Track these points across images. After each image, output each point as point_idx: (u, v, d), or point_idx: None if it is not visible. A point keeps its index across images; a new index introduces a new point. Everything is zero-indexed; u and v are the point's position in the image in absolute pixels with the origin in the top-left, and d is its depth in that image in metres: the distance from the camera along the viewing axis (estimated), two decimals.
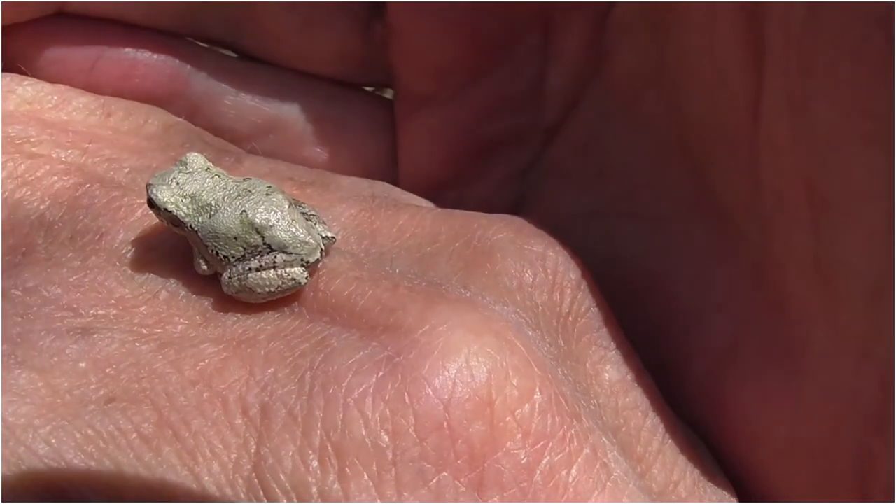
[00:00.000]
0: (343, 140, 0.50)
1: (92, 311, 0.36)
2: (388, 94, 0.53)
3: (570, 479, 0.34)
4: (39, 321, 0.36)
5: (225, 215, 0.36)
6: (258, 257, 0.36)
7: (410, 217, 0.41)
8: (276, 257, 0.36)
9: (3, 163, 0.40)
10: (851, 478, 0.39)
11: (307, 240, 0.36)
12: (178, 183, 0.37)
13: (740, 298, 0.41)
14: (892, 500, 0.37)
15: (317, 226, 0.37)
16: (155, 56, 0.48)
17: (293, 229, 0.36)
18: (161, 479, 0.33)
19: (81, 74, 0.47)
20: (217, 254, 0.36)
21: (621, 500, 0.35)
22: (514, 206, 0.51)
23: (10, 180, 0.40)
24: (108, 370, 0.34)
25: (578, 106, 0.48)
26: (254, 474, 0.33)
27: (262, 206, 0.36)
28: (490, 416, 0.33)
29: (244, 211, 0.36)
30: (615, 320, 0.42)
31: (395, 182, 0.49)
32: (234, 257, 0.36)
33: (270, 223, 0.36)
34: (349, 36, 0.49)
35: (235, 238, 0.36)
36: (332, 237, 0.37)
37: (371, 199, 0.42)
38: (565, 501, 0.33)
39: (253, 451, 0.33)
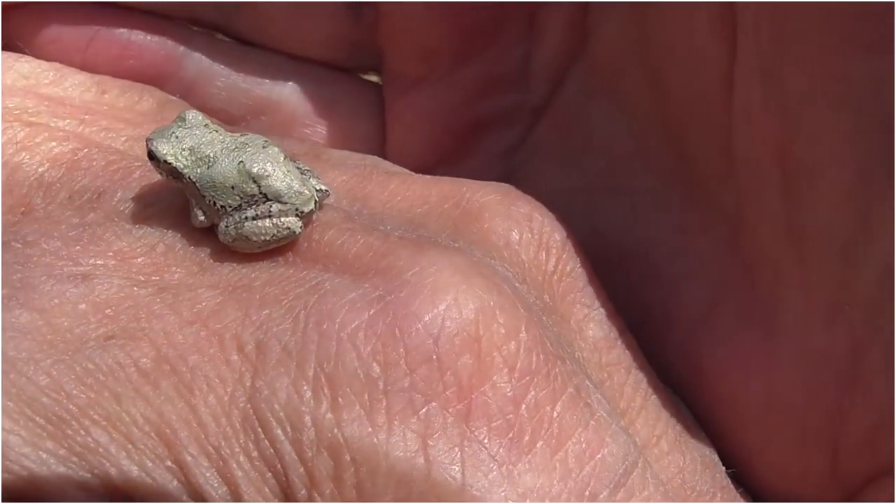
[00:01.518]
0: (333, 122, 0.53)
1: (91, 261, 0.38)
2: (378, 79, 0.56)
3: (555, 415, 0.36)
4: (40, 269, 0.38)
5: (223, 165, 0.38)
6: (254, 206, 0.38)
7: (401, 182, 0.44)
8: (271, 206, 0.38)
9: (2, 130, 0.42)
10: (826, 437, 0.41)
11: (302, 190, 0.38)
12: (177, 137, 0.39)
13: (717, 265, 0.44)
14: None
15: (311, 180, 0.39)
16: (149, 37, 0.50)
17: (288, 180, 0.38)
18: (159, 409, 0.34)
19: (77, 53, 0.49)
20: (215, 203, 0.38)
21: (602, 440, 0.36)
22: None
23: (10, 145, 0.42)
24: (107, 311, 0.36)
25: (563, 85, 0.50)
26: (249, 406, 0.34)
27: (259, 157, 0.38)
28: (478, 351, 0.35)
29: (241, 161, 0.38)
30: (598, 281, 0.44)
31: None
32: (230, 206, 0.38)
33: (267, 173, 0.38)
34: (339, 19, 0.51)
35: (233, 187, 0.38)
36: (326, 190, 0.39)
37: (363, 167, 0.45)
38: (549, 436, 0.35)
39: (248, 384, 0.35)
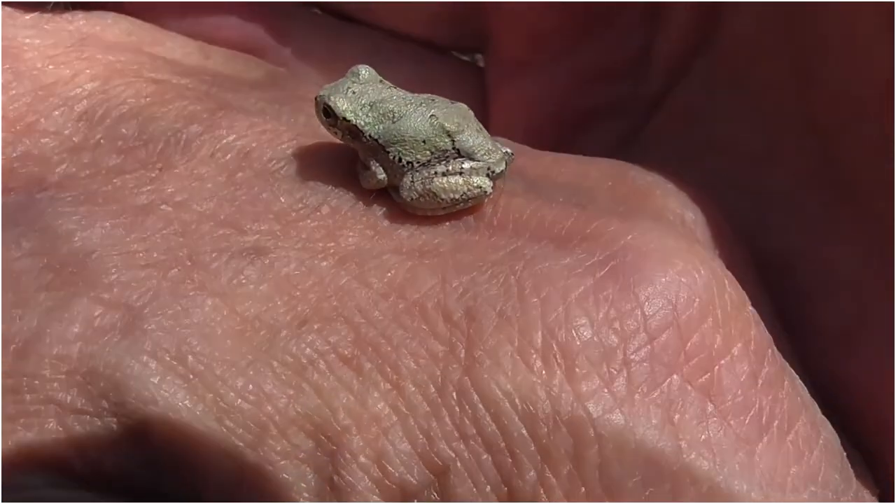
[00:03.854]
0: None
1: (254, 227, 0.35)
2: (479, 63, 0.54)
3: (785, 393, 0.34)
4: (204, 241, 0.35)
5: (413, 119, 0.36)
6: (444, 162, 0.36)
7: (554, 159, 0.42)
8: (463, 163, 0.36)
9: (126, 83, 0.40)
10: None
11: (495, 149, 0.36)
12: (353, 92, 0.37)
13: (865, 275, 0.42)
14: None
15: (496, 142, 0.37)
16: (248, 8, 0.48)
17: (482, 137, 0.36)
18: (362, 398, 0.32)
19: (173, 21, 0.46)
20: (400, 160, 0.36)
21: (817, 425, 0.35)
22: None
23: (139, 99, 0.39)
24: (293, 292, 0.33)
25: (686, 76, 0.49)
26: (466, 378, 0.32)
27: (452, 112, 0.36)
28: (716, 320, 0.33)
29: (434, 115, 0.36)
30: (761, 281, 0.43)
31: None
32: (419, 162, 0.36)
33: (461, 128, 0.36)
34: None
35: (424, 142, 0.36)
36: (511, 153, 0.37)
37: (506, 141, 0.43)
38: (782, 416, 0.33)
39: (463, 355, 0.32)
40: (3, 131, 0.38)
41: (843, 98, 0.42)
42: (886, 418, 0.41)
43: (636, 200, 0.40)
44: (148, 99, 0.39)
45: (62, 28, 0.42)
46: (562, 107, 0.51)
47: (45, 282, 0.33)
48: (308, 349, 0.32)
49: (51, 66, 0.40)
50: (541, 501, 0.31)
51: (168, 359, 0.32)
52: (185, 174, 0.37)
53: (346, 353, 0.32)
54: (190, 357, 0.32)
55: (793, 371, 0.36)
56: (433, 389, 0.32)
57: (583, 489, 0.31)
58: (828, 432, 0.35)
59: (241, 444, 0.31)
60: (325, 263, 0.34)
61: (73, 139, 0.38)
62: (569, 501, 0.31)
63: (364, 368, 0.32)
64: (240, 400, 0.31)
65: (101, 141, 0.38)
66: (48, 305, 0.32)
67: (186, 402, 0.31)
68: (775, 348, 0.35)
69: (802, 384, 0.36)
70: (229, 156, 0.37)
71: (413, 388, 0.32)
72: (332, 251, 0.35)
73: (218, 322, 0.32)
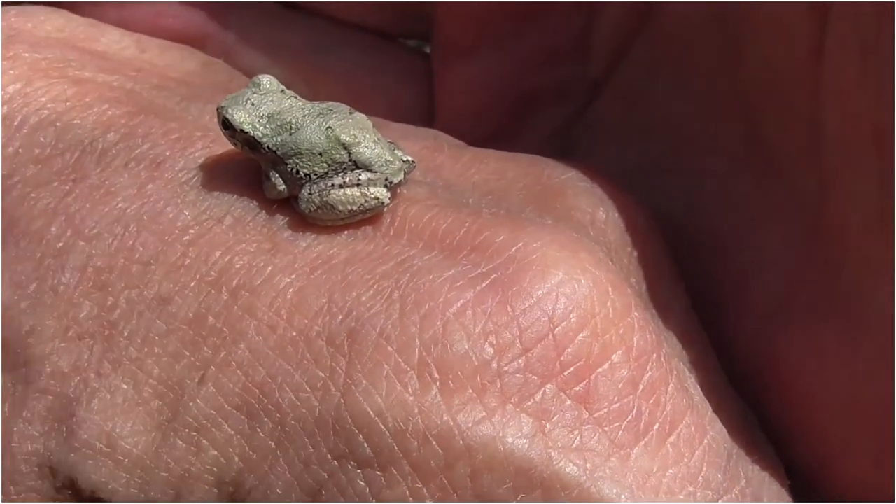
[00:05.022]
0: (378, 92, 0.52)
1: (158, 260, 0.37)
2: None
3: (668, 397, 0.35)
4: (116, 291, 0.37)
5: (309, 131, 0.37)
6: (342, 174, 0.37)
7: (474, 155, 0.43)
8: (360, 175, 0.37)
9: (48, 85, 0.41)
10: None
11: (392, 159, 0.37)
12: (252, 103, 0.38)
13: (794, 254, 0.43)
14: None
15: (395, 150, 0.38)
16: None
17: (379, 148, 0.37)
18: (250, 441, 0.35)
19: (112, 11, 0.47)
20: (298, 172, 0.37)
21: (703, 426, 0.36)
22: None
23: (58, 103, 0.40)
24: (196, 339, 0.36)
25: (626, 58, 0.50)
26: (343, 402, 0.34)
27: (349, 124, 0.37)
28: (595, 329, 0.34)
29: (330, 127, 0.37)
30: (678, 272, 0.44)
31: None
32: (316, 174, 0.37)
33: (357, 140, 0.37)
34: None
35: (321, 154, 0.37)
36: (412, 161, 0.38)
37: (432, 138, 0.44)
38: (664, 419, 0.35)
39: (342, 381, 0.34)
40: None
41: (769, 77, 0.43)
42: (811, 398, 0.42)
43: (548, 201, 0.41)
44: (68, 103, 0.40)
45: None
46: (506, 91, 0.51)
47: None
48: (205, 407, 0.35)
49: None
50: None
51: (100, 446, 0.35)
52: (97, 186, 0.38)
53: (238, 400, 0.35)
54: (119, 442, 0.35)
55: (684, 371, 0.37)
56: (311, 420, 0.34)
57: (455, 496, 0.33)
58: (716, 432, 0.36)
59: None
60: (223, 297, 0.36)
61: None
62: None
63: (253, 411, 0.34)
64: (158, 471, 0.35)
65: (19, 149, 0.39)
66: (9, 403, 0.36)
67: (119, 484, 0.36)
68: (663, 352, 0.36)
69: (695, 383, 0.38)
70: (142, 165, 0.39)
71: (293, 423, 0.34)
72: (226, 279, 0.36)
73: (136, 401, 0.35)
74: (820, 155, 0.41)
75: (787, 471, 0.42)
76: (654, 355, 0.35)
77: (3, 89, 0.41)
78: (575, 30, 0.50)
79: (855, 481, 0.42)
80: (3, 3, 0.46)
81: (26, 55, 0.42)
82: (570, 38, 0.50)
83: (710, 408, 0.37)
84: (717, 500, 0.35)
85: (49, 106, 0.40)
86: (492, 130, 0.52)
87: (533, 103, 0.52)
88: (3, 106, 0.40)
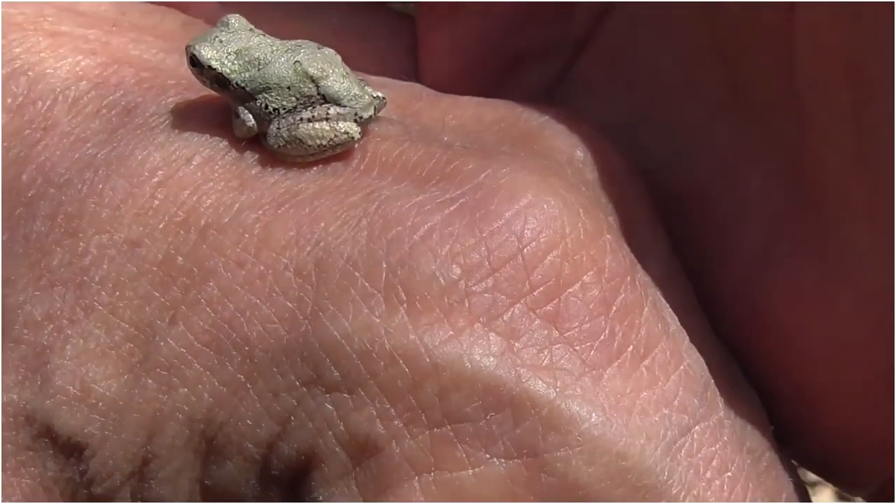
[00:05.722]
0: (365, 54, 0.52)
1: (126, 203, 0.37)
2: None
3: (642, 321, 0.35)
4: (87, 237, 0.37)
5: (277, 65, 0.37)
6: (310, 108, 0.37)
7: (452, 101, 0.43)
8: (329, 109, 0.37)
9: (22, 37, 0.41)
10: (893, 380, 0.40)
11: (362, 94, 0.37)
12: (220, 41, 0.38)
13: (774, 200, 0.43)
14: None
15: (365, 87, 0.39)
16: None
17: (347, 82, 0.38)
18: (220, 375, 0.35)
19: None
20: (267, 107, 0.37)
21: (680, 352, 0.36)
22: None
23: (32, 54, 0.41)
24: (165, 279, 0.36)
25: (608, 15, 0.50)
26: (310, 329, 0.34)
27: (317, 57, 0.38)
28: (565, 249, 0.34)
29: (297, 61, 0.37)
30: (658, 215, 0.44)
31: None
32: (285, 108, 0.37)
33: (326, 73, 0.38)
34: None
35: (289, 88, 0.37)
36: (383, 97, 0.39)
37: (410, 86, 0.44)
38: (638, 342, 0.34)
39: (309, 310, 0.34)
40: None
41: (743, 21, 0.43)
42: (794, 339, 0.42)
43: (525, 142, 0.41)
44: (42, 54, 0.41)
45: None
46: (491, 51, 0.51)
47: None
48: (175, 346, 0.35)
49: None
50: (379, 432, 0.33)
51: (74, 392, 0.36)
52: (68, 133, 0.39)
53: (207, 337, 0.35)
54: (92, 386, 0.35)
55: (662, 302, 0.37)
56: (279, 349, 0.34)
57: (423, 417, 0.33)
58: (693, 360, 0.36)
59: (134, 448, 0.35)
60: (191, 237, 0.36)
61: None
62: (410, 427, 0.33)
63: (222, 346, 0.35)
64: (131, 412, 0.35)
65: None
66: None
67: (94, 428, 0.36)
68: (638, 277, 0.36)
69: (672, 313, 0.37)
70: (113, 112, 0.39)
71: (262, 354, 0.34)
72: (194, 219, 0.37)
73: (108, 345, 0.36)
74: (796, 97, 0.41)
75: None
76: (628, 278, 0.35)
77: None
78: None
79: (837, 428, 0.41)
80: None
81: (0, 10, 0.42)
82: None
83: (687, 337, 0.36)
84: (694, 426, 0.35)
85: (22, 57, 0.40)
86: (476, 91, 0.52)
87: (517, 64, 0.52)
88: None
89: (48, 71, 0.40)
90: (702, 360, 0.37)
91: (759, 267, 0.43)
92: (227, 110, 0.39)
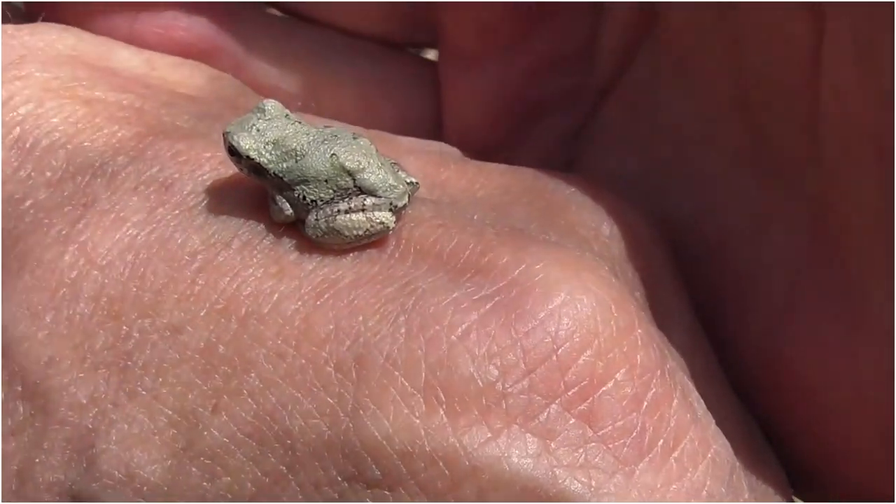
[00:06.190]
0: (387, 101, 0.53)
1: (169, 289, 0.38)
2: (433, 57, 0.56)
3: (672, 412, 0.36)
4: (130, 321, 0.38)
5: (314, 158, 0.38)
6: (347, 200, 0.38)
7: (479, 170, 0.44)
8: (365, 200, 0.38)
9: (59, 106, 0.42)
10: None
11: (396, 184, 0.38)
12: (258, 130, 0.39)
13: (796, 254, 0.44)
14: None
15: (399, 172, 0.39)
16: (198, 9, 0.50)
17: (383, 173, 0.38)
18: (262, 465, 0.36)
19: (123, 25, 0.48)
20: (304, 198, 0.38)
21: (707, 440, 0.37)
22: (563, 170, 0.53)
23: (69, 125, 0.41)
24: (207, 367, 0.37)
25: (631, 65, 0.51)
26: (351, 426, 0.35)
27: (353, 150, 0.38)
28: (598, 348, 0.35)
29: (334, 154, 0.38)
30: (683, 283, 0.45)
31: None
32: (322, 200, 0.38)
33: (362, 166, 0.38)
34: None
35: (326, 181, 0.38)
36: (416, 183, 0.39)
37: (437, 153, 0.45)
38: (668, 434, 0.36)
39: (350, 407, 0.35)
40: None
41: (770, 80, 0.44)
42: (817, 394, 0.43)
43: (552, 216, 0.42)
44: (78, 125, 0.41)
45: (5, 43, 0.45)
46: (513, 99, 0.52)
47: (17, 409, 0.38)
48: (219, 435, 0.36)
49: None
50: None
51: (120, 476, 0.37)
52: (108, 211, 0.39)
53: (250, 428, 0.36)
54: (137, 471, 0.36)
55: (688, 385, 0.38)
56: (321, 444, 0.35)
57: None
58: (719, 445, 0.37)
59: None
60: (232, 326, 0.37)
61: (6, 171, 0.41)
62: None
63: (265, 437, 0.36)
64: (174, 498, 0.36)
65: (32, 174, 0.41)
66: (29, 433, 0.38)
67: None
68: (667, 368, 0.37)
69: (699, 397, 0.39)
70: (151, 189, 0.40)
71: (303, 447, 0.35)
72: (235, 307, 0.37)
73: (152, 430, 0.37)
74: (820, 156, 0.42)
75: (790, 472, 0.44)
76: (658, 372, 0.36)
77: (15, 110, 0.42)
78: (580, 38, 0.51)
79: (857, 481, 0.43)
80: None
81: (38, 74, 0.43)
82: (575, 46, 0.51)
83: (713, 421, 0.38)
84: None
85: (60, 128, 0.41)
86: (498, 139, 0.53)
87: (539, 111, 0.53)
88: (15, 127, 0.42)
89: (86, 144, 0.41)
90: (727, 443, 0.38)
91: (781, 319, 0.44)
92: (261, 191, 0.40)
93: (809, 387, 0.43)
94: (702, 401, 0.38)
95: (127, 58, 0.47)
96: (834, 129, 0.41)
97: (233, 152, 0.39)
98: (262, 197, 0.40)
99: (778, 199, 0.45)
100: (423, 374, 0.35)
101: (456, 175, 0.43)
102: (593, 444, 0.35)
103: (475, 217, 0.41)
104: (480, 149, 0.52)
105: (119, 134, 0.41)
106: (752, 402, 0.46)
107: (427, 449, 0.34)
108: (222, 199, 0.40)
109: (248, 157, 0.38)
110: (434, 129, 0.53)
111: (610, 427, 0.35)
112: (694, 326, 0.43)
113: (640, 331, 0.36)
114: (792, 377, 0.44)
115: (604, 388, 0.35)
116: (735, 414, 0.43)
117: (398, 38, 0.54)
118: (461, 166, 0.44)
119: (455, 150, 0.48)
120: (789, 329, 0.44)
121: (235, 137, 0.38)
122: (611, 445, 0.35)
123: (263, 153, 0.38)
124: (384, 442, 0.34)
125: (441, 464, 0.34)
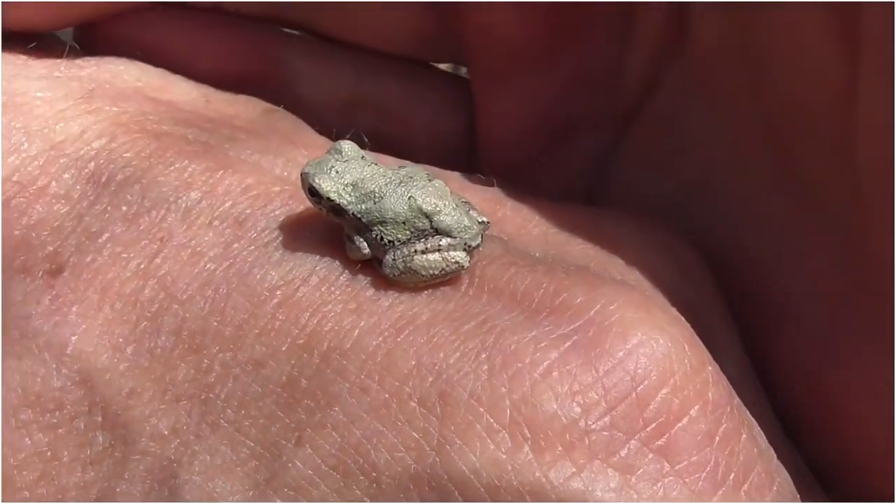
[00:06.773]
0: (419, 118, 0.54)
1: (250, 323, 0.39)
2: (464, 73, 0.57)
3: (741, 447, 0.38)
4: (212, 353, 0.39)
5: (392, 201, 0.40)
6: (423, 240, 0.40)
7: (532, 208, 0.46)
8: (441, 241, 0.40)
9: (131, 140, 0.43)
10: None
11: (471, 225, 0.40)
12: (336, 171, 0.40)
13: (833, 277, 0.45)
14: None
15: (471, 212, 0.41)
16: (248, 37, 0.51)
17: (457, 214, 0.40)
18: (346, 498, 0.37)
19: (180, 53, 0.49)
20: (382, 238, 0.40)
21: (772, 472, 0.39)
22: (592, 190, 0.55)
23: (141, 159, 0.42)
24: (290, 401, 0.38)
25: (659, 86, 0.52)
26: (438, 460, 0.36)
27: (429, 192, 0.40)
28: (674, 386, 0.37)
29: (412, 197, 0.40)
30: (731, 315, 0.47)
31: (472, 162, 0.54)
32: (399, 241, 0.40)
33: (438, 208, 0.40)
34: (423, 14, 0.52)
35: (404, 222, 0.40)
36: (487, 222, 0.41)
37: (491, 189, 0.46)
38: (739, 468, 0.38)
39: (435, 441, 0.36)
40: (17, 196, 0.42)
41: (796, 104, 0.45)
42: (858, 422, 0.45)
43: (607, 254, 0.44)
44: (151, 159, 0.42)
45: (73, 76, 0.46)
46: (543, 118, 0.54)
47: (96, 439, 0.39)
48: (303, 468, 0.37)
49: (60, 124, 0.43)
50: None
51: None
52: (184, 245, 0.41)
53: (334, 461, 0.37)
54: (220, 502, 0.38)
55: (752, 420, 0.40)
56: (406, 477, 0.36)
57: None
58: (782, 478, 0.40)
59: None
60: (314, 361, 0.38)
61: (82, 204, 0.42)
62: None
63: (349, 470, 0.37)
64: None
65: (108, 208, 0.42)
66: (109, 462, 0.39)
67: None
68: (735, 403, 0.39)
69: (760, 431, 0.41)
70: (225, 224, 0.41)
71: (389, 480, 0.37)
72: (317, 342, 0.39)
73: (234, 461, 0.38)
74: (853, 183, 0.43)
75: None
76: (728, 407, 0.38)
77: (88, 145, 0.43)
78: (608, 59, 0.52)
79: None
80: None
81: (108, 108, 0.44)
82: (603, 67, 0.52)
83: (774, 456, 0.40)
84: None
85: (133, 163, 0.42)
86: (530, 156, 0.55)
87: (569, 131, 0.54)
88: (90, 162, 0.43)
89: (159, 178, 0.42)
90: (787, 475, 0.41)
91: (823, 346, 0.46)
92: (333, 227, 0.41)
93: (853, 413, 0.45)
94: (763, 434, 0.40)
95: (185, 91, 0.48)
96: (870, 163, 0.42)
97: (313, 193, 0.40)
98: (335, 233, 0.41)
99: (809, 221, 0.46)
100: (508, 411, 0.37)
101: (511, 213, 0.45)
102: (671, 478, 0.37)
103: (537, 254, 0.42)
104: (511, 168, 0.54)
105: (189, 168, 0.42)
106: (792, 425, 0.47)
107: (514, 483, 0.36)
108: (296, 235, 0.41)
109: (328, 198, 0.40)
110: (465, 145, 0.55)
111: (686, 462, 0.37)
112: (742, 357, 0.46)
113: (710, 368, 0.39)
114: (835, 408, 0.45)
115: (679, 425, 0.37)
116: (785, 447, 0.45)
117: (428, 57, 0.55)
118: (515, 204, 0.46)
119: (500, 190, 0.49)
120: (831, 354, 0.45)
121: (317, 179, 0.40)
122: (687, 479, 0.37)
123: (343, 195, 0.40)
124: (472, 476, 0.36)
125: (528, 498, 0.36)
